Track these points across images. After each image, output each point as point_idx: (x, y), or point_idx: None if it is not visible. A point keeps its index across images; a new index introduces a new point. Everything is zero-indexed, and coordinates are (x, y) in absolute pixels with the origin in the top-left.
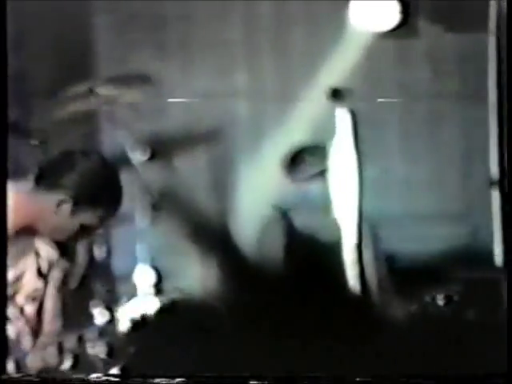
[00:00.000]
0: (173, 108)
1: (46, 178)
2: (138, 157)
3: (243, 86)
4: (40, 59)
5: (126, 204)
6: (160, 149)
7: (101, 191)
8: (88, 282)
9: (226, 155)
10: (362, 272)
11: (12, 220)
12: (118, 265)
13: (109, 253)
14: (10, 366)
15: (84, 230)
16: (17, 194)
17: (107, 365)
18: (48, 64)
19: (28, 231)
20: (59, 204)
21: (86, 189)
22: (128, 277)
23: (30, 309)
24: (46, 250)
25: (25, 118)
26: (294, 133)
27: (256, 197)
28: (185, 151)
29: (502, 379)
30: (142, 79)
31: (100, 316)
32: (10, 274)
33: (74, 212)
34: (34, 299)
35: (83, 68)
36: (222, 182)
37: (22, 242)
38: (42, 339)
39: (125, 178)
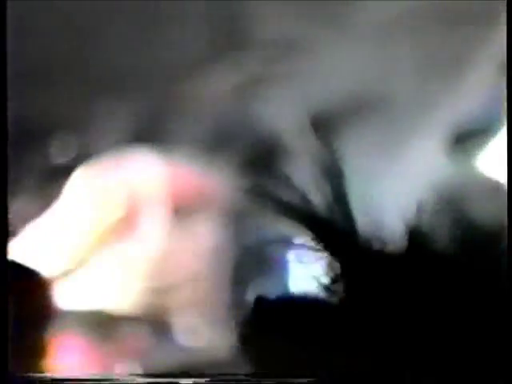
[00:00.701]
0: (333, 77)
1: None
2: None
3: (406, 52)
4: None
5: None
6: (321, 122)
7: None
8: None
9: (386, 128)
10: None
11: None
12: None
13: None
14: None
15: None
16: None
17: None
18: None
19: None
20: None
21: None
22: None
23: None
24: None
25: None
26: (464, 102)
27: (415, 177)
28: (346, 123)
29: (502, 379)
30: (297, 47)
31: None
32: None
33: None
34: None
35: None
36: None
37: None
38: None
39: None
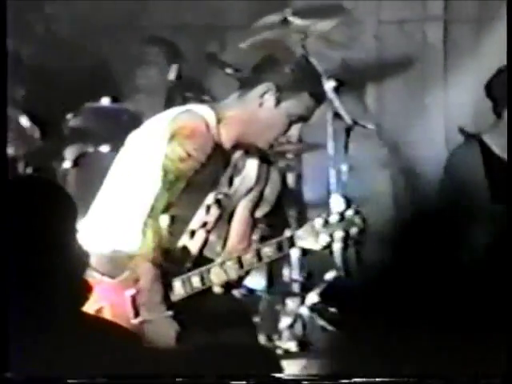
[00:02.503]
0: (364, 37)
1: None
2: (329, 85)
3: (436, 10)
4: None
5: (319, 131)
6: (351, 77)
7: (303, 78)
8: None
9: (418, 82)
10: None
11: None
12: (309, 192)
13: (300, 180)
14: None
15: (294, 122)
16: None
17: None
18: None
19: (242, 145)
20: (263, 95)
21: (287, 76)
22: (319, 204)
23: (212, 217)
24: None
25: (221, 49)
26: (492, 55)
27: (448, 122)
28: (376, 79)
29: (502, 379)
30: (333, 10)
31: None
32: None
33: (278, 101)
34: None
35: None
36: (414, 109)
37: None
38: (224, 254)
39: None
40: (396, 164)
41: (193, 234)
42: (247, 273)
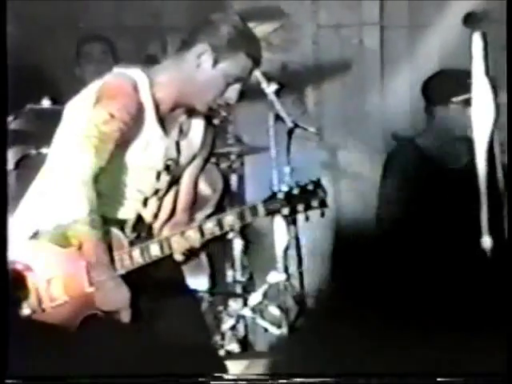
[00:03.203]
0: (303, 40)
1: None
2: (270, 88)
3: (372, 15)
4: None
5: (261, 133)
6: (290, 80)
7: (240, 39)
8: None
9: (356, 85)
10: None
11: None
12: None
13: (243, 181)
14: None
15: (231, 84)
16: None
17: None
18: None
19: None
20: (199, 55)
21: (224, 37)
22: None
23: (163, 184)
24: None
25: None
26: (426, 59)
27: (385, 124)
28: (315, 82)
29: (502, 379)
30: (273, 13)
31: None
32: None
33: (215, 61)
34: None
35: (218, 1)
36: (352, 112)
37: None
38: (175, 222)
39: (259, 108)
40: (336, 166)
41: (145, 201)
42: (209, 241)
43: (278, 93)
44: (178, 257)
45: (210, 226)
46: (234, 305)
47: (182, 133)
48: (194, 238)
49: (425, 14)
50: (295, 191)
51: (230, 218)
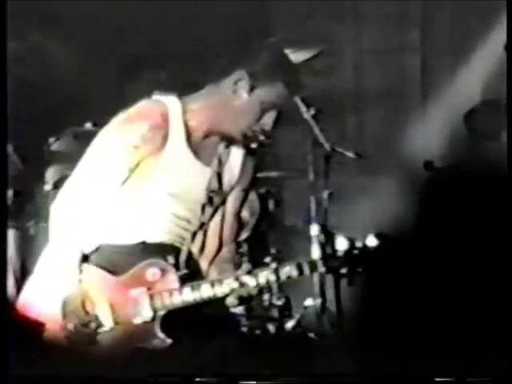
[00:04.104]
0: (344, 65)
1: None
2: (309, 113)
3: (413, 41)
4: None
5: (299, 158)
6: (330, 105)
7: (277, 67)
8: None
9: (396, 111)
10: None
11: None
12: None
13: (281, 205)
14: None
15: (267, 110)
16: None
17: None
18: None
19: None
20: (236, 82)
21: (261, 64)
22: (300, 229)
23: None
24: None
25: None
26: (468, 87)
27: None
28: (355, 107)
29: (502, 379)
30: (315, 39)
31: None
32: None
33: (252, 88)
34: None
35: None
36: (392, 138)
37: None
38: (222, 259)
39: (297, 132)
40: (376, 190)
41: (194, 235)
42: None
43: (316, 117)
44: (232, 301)
45: (266, 275)
46: (272, 328)
47: (221, 163)
48: (250, 285)
49: (466, 40)
50: (355, 251)
51: (287, 269)
